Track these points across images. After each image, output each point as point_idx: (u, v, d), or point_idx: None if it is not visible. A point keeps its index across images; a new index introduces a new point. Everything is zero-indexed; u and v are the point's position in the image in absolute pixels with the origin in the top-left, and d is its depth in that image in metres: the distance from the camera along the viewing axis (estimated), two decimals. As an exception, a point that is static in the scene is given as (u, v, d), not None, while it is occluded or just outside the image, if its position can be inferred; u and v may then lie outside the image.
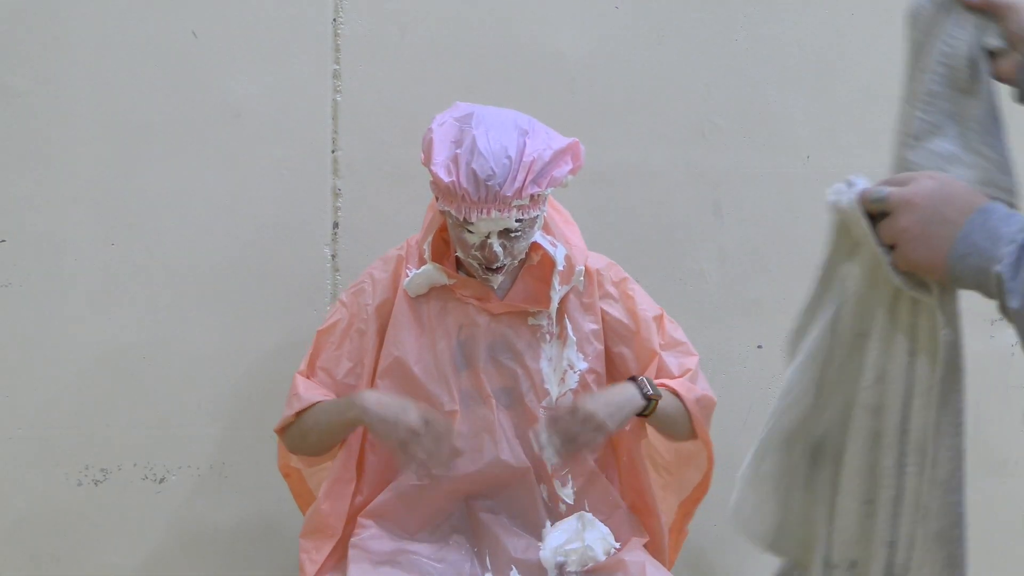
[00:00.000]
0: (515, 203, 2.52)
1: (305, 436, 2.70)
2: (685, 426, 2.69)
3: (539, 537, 2.68)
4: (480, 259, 2.58)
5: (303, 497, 2.86)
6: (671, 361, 2.72)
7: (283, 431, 2.73)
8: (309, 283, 3.17)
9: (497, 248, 2.56)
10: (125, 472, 3.17)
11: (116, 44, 3.10)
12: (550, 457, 2.59)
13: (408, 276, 2.68)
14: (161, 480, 3.18)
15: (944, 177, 1.66)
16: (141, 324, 3.15)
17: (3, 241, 3.12)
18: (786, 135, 3.25)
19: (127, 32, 3.10)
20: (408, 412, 2.54)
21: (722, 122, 3.24)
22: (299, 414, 2.69)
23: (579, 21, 3.20)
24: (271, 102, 3.14)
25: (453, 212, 2.54)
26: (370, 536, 2.66)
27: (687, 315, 3.25)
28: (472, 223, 2.53)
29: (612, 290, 2.74)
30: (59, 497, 3.16)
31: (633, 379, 2.64)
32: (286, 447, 2.76)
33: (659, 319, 2.76)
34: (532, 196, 2.53)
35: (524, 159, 2.51)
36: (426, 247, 2.68)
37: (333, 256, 3.18)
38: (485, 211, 2.51)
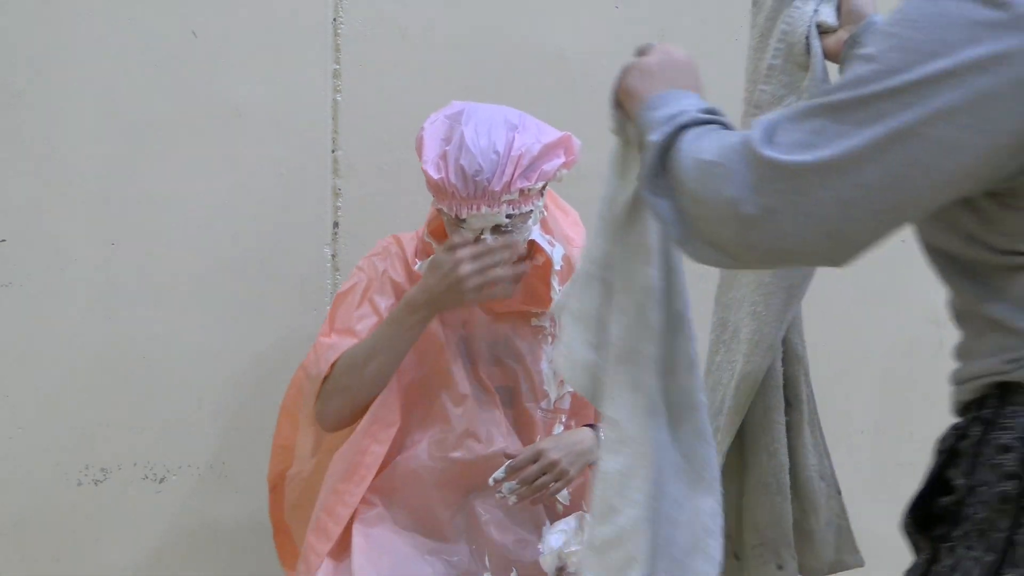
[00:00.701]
0: (504, 198, 2.53)
1: (358, 372, 2.64)
2: None
3: (539, 536, 2.68)
4: None
5: (278, 511, 2.85)
6: None
7: (319, 396, 2.69)
8: (309, 283, 3.17)
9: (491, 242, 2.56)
10: (125, 472, 3.17)
11: (116, 44, 3.10)
12: (511, 501, 2.58)
13: (416, 265, 2.70)
14: (161, 480, 3.18)
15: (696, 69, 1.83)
16: (141, 324, 3.14)
17: (3, 241, 3.12)
18: (786, 135, 3.25)
19: (127, 32, 3.10)
20: (444, 256, 2.55)
21: (722, 122, 3.24)
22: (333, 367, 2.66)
23: (579, 21, 3.20)
24: (271, 102, 3.14)
25: (445, 209, 2.56)
26: (376, 515, 2.65)
27: (687, 315, 3.25)
28: (464, 220, 2.54)
29: None
30: (59, 497, 3.15)
31: (593, 427, 2.64)
32: (325, 415, 2.69)
33: None
34: (522, 191, 2.55)
35: (512, 153, 2.53)
36: (427, 238, 2.70)
37: (333, 256, 3.18)
38: (475, 207, 2.53)
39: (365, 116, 3.16)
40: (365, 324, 2.69)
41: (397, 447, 2.70)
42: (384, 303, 2.70)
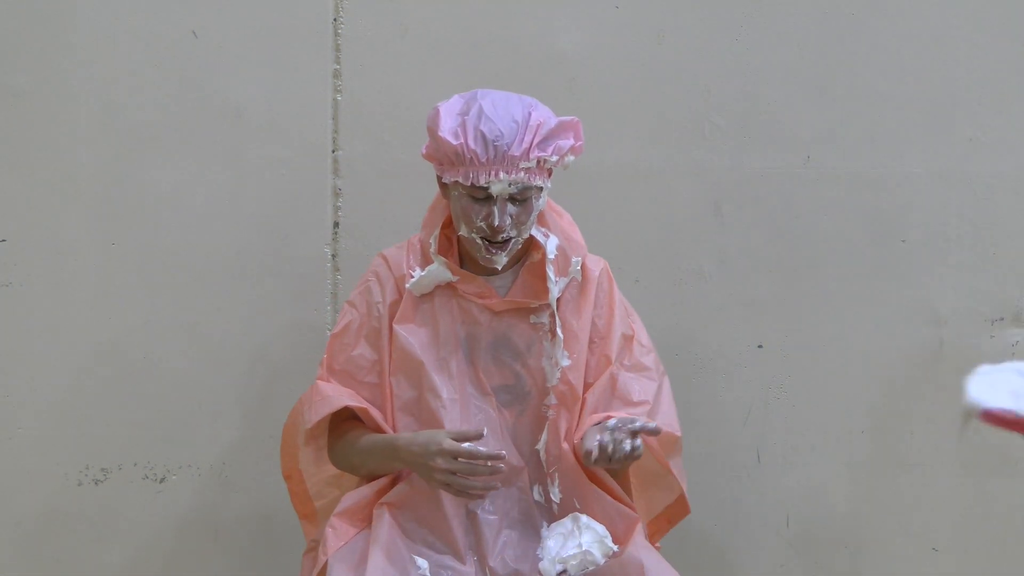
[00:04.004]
0: (522, 165, 2.57)
1: (348, 460, 2.73)
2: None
3: (538, 537, 2.68)
4: (485, 230, 2.61)
5: (299, 498, 2.86)
6: (632, 384, 2.70)
7: (312, 437, 2.74)
8: (309, 283, 3.17)
9: (505, 215, 2.59)
10: (125, 472, 3.17)
11: (116, 44, 3.11)
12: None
13: (413, 277, 2.69)
14: (161, 480, 3.18)
15: None
16: (141, 324, 3.15)
17: (3, 241, 3.12)
18: (786, 135, 3.25)
19: (127, 32, 3.11)
20: (433, 456, 2.56)
21: (722, 122, 3.24)
22: (340, 426, 2.71)
23: (579, 21, 3.20)
24: (271, 102, 3.14)
25: (460, 179, 2.58)
26: (388, 527, 2.65)
27: (687, 315, 3.25)
28: (480, 186, 2.57)
29: (602, 296, 2.75)
30: (59, 497, 3.16)
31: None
32: (330, 456, 2.76)
33: (629, 339, 2.75)
34: (539, 160, 2.59)
35: (531, 123, 2.58)
36: (432, 240, 2.70)
37: (333, 256, 3.18)
38: (493, 173, 2.56)
39: (365, 116, 3.16)
40: (363, 366, 2.72)
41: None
42: (381, 340, 2.72)
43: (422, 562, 2.62)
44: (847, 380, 3.28)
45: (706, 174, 3.24)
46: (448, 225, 2.72)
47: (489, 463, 2.55)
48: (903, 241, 3.26)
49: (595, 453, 2.52)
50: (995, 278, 3.27)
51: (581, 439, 2.61)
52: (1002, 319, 3.26)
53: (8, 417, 3.14)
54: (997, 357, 3.27)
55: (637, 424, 2.56)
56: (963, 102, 3.25)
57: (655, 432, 2.58)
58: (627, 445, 2.52)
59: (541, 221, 2.71)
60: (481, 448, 2.55)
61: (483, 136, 2.55)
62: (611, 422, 2.58)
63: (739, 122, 3.24)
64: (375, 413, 2.68)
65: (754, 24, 3.23)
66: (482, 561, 2.67)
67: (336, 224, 3.18)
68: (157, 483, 3.18)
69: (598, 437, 2.55)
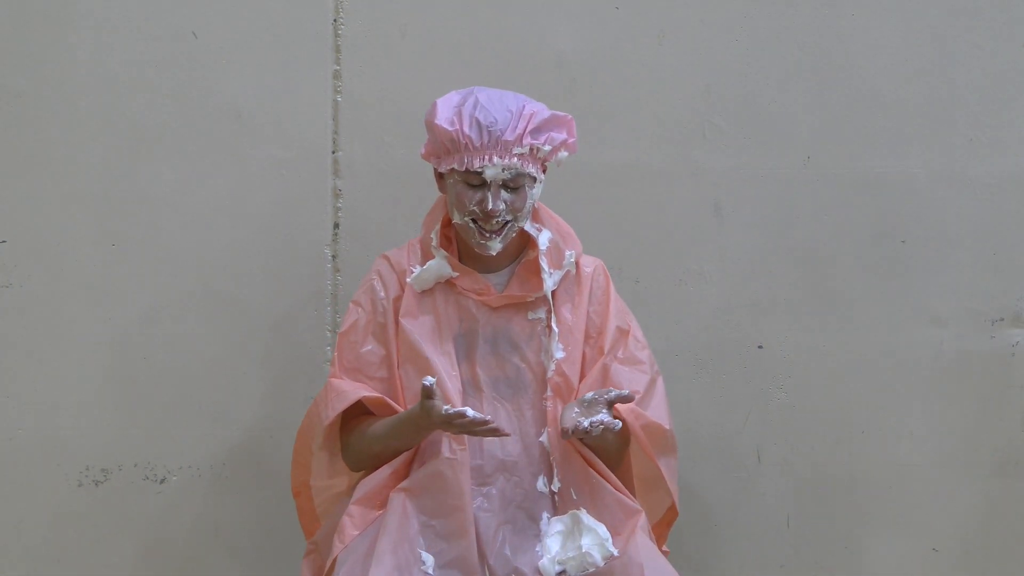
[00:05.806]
0: (515, 150, 2.63)
1: (369, 449, 2.73)
2: (619, 452, 2.74)
3: (538, 532, 2.69)
4: (479, 214, 2.65)
5: (307, 516, 2.87)
6: (623, 376, 2.72)
7: (329, 436, 2.75)
8: (309, 283, 3.17)
9: (498, 200, 2.64)
10: (125, 472, 3.17)
11: (117, 45, 3.11)
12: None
13: (414, 272, 2.72)
14: (161, 480, 3.18)
15: None
16: (141, 324, 3.15)
17: (3, 241, 3.12)
18: (786, 135, 3.25)
19: (128, 33, 3.11)
20: (433, 411, 2.58)
21: (722, 122, 3.24)
22: (356, 419, 2.72)
23: (579, 21, 3.20)
24: (271, 102, 3.15)
25: (456, 166, 2.64)
26: (398, 515, 2.66)
27: (687, 315, 3.25)
28: (474, 171, 2.62)
29: (597, 291, 2.77)
30: (59, 497, 3.16)
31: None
32: (345, 453, 2.77)
33: (624, 332, 2.77)
34: (531, 148, 2.64)
35: (524, 112, 2.65)
36: (433, 235, 2.73)
37: (334, 257, 3.18)
38: (487, 157, 2.62)
39: (365, 116, 3.17)
40: (373, 361, 2.74)
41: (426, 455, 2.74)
42: (388, 334, 2.75)
43: (427, 557, 2.63)
44: (847, 380, 3.28)
45: (706, 174, 3.24)
46: (448, 224, 2.75)
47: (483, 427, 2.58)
48: (903, 241, 3.26)
49: (570, 430, 2.58)
50: (995, 278, 3.27)
51: (560, 416, 2.65)
52: (1002, 319, 3.26)
53: (8, 417, 3.15)
54: (997, 357, 3.27)
55: (612, 394, 2.61)
56: (963, 102, 3.25)
57: (629, 399, 2.63)
58: (604, 416, 2.57)
59: (536, 219, 2.74)
60: (471, 412, 2.57)
61: (478, 122, 2.62)
62: (588, 395, 2.63)
63: (739, 122, 3.24)
64: (391, 404, 2.71)
65: (754, 24, 3.23)
66: (481, 558, 2.67)
67: (336, 225, 3.18)
68: (157, 483, 3.18)
69: (576, 409, 2.61)
